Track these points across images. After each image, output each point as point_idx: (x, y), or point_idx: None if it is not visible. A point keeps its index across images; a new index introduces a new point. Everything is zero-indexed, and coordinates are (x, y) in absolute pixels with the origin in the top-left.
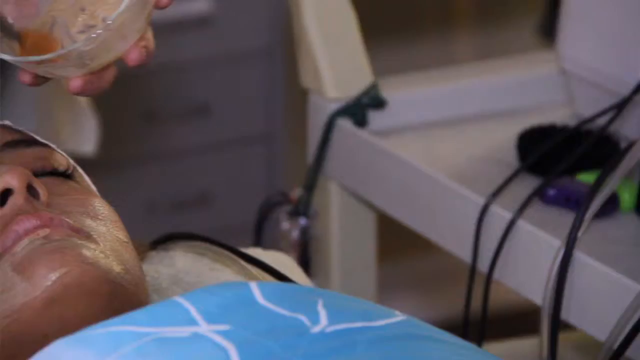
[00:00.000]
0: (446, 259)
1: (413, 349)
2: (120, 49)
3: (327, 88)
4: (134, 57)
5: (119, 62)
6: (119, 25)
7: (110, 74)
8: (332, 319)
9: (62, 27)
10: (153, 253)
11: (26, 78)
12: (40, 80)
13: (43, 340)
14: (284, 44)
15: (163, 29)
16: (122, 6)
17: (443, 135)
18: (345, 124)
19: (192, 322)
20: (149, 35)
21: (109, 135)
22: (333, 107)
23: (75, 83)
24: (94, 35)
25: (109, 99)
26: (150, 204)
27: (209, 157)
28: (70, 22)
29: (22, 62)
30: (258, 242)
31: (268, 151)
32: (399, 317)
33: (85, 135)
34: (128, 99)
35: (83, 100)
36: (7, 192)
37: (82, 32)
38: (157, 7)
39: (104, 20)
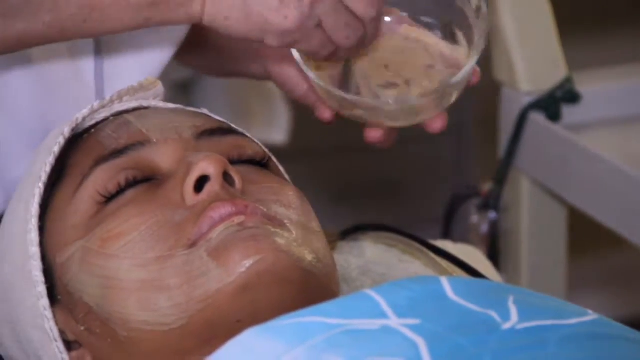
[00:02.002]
0: (639, 255)
1: (604, 349)
2: (426, 117)
3: (520, 81)
4: (437, 126)
5: None
6: (432, 99)
7: (397, 133)
8: (523, 316)
9: (361, 76)
10: (343, 243)
11: (327, 115)
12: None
13: (236, 325)
14: None
15: None
16: (440, 86)
17: (638, 131)
18: (538, 118)
19: (382, 315)
20: None
21: (299, 125)
22: (526, 100)
23: (375, 134)
24: (410, 98)
25: None
26: (338, 194)
27: (399, 147)
28: (371, 74)
29: (334, 94)
30: (447, 235)
31: (458, 143)
32: (590, 315)
33: (277, 124)
34: None
35: (276, 91)
36: (204, 179)
37: (383, 86)
38: (469, 85)
39: (407, 82)
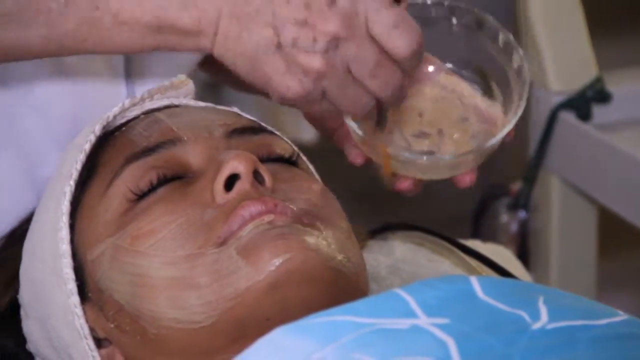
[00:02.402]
0: None
1: (635, 349)
2: (456, 174)
3: (551, 81)
4: (467, 181)
5: None
6: (465, 159)
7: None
8: (553, 316)
9: (394, 121)
10: (372, 242)
11: (359, 160)
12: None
13: (265, 324)
14: None
15: None
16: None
17: None
18: (568, 118)
19: (412, 314)
20: None
21: None
22: (556, 100)
23: (404, 184)
24: (445, 158)
25: None
26: (367, 192)
27: None
28: (405, 121)
29: (371, 145)
30: (476, 234)
31: None
32: (620, 316)
33: (306, 122)
34: None
35: None
36: (234, 177)
37: (416, 136)
38: (502, 142)
39: (440, 132)
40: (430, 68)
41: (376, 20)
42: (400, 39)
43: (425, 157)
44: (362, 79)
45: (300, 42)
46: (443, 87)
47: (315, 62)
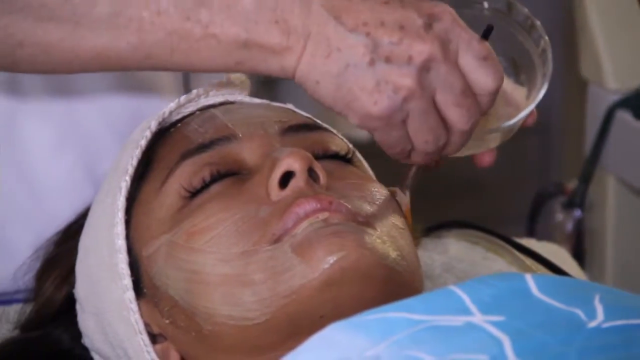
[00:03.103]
0: None
1: None
2: (476, 151)
3: (607, 79)
4: (487, 160)
5: None
6: (483, 140)
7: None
8: (609, 314)
9: None
10: (427, 240)
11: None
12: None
13: (320, 321)
14: (563, 33)
15: None
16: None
17: None
18: (624, 116)
19: (466, 311)
20: None
21: None
22: (613, 98)
23: (417, 158)
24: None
25: None
26: (422, 190)
27: None
28: None
29: None
30: (531, 233)
31: (543, 141)
32: None
33: None
34: None
35: None
36: (289, 175)
37: None
38: (523, 126)
39: None
40: None
41: (468, 50)
42: (487, 73)
43: None
44: (446, 106)
45: (394, 59)
46: None
47: (407, 80)
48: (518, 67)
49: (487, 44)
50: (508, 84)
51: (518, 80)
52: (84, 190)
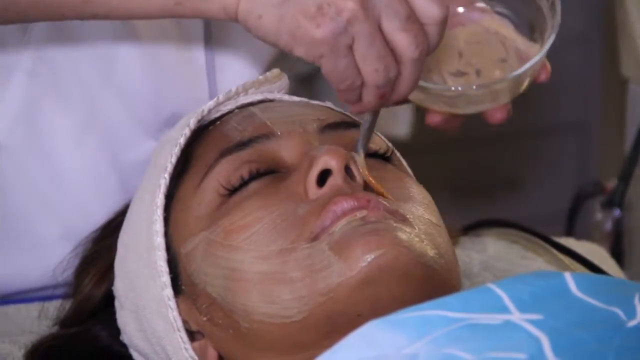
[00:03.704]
0: None
1: None
2: (489, 107)
3: None
4: (498, 117)
5: None
6: (496, 89)
7: (461, 120)
8: None
9: (434, 60)
10: (465, 238)
11: (436, 118)
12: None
13: (357, 319)
14: (603, 30)
15: None
16: (508, 76)
17: None
18: None
19: (505, 309)
20: None
21: (422, 119)
22: None
23: (434, 118)
24: (474, 88)
25: None
26: (461, 189)
27: (523, 143)
28: (444, 60)
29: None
30: (570, 232)
31: (582, 140)
32: None
33: (401, 118)
34: None
35: None
36: (326, 173)
37: (454, 74)
38: (536, 82)
39: (478, 72)
40: (477, 9)
41: None
42: (433, 1)
43: (453, 88)
44: (393, 32)
45: None
46: (486, 29)
47: (349, 2)
48: (533, 26)
49: None
50: (523, 43)
51: (532, 38)
52: (108, 179)
